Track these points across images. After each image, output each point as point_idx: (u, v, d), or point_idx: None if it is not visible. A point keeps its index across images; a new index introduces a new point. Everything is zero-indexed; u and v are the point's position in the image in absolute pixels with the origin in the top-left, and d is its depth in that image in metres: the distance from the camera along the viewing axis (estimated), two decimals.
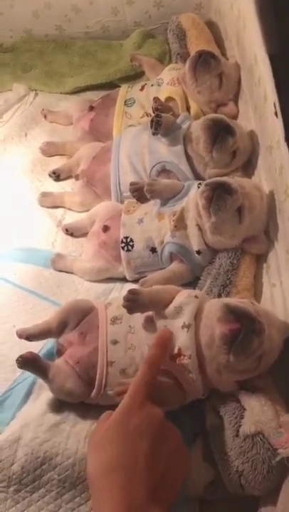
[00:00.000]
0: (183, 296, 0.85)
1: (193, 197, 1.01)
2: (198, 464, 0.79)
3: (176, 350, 0.79)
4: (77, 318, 0.93)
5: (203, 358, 0.79)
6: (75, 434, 0.84)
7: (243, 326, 0.74)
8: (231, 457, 0.74)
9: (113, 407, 0.76)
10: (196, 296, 0.85)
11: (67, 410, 0.88)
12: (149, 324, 0.85)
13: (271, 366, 0.80)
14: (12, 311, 1.08)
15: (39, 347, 0.97)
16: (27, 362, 0.87)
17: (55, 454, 0.82)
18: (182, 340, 0.79)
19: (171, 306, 0.84)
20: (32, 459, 0.82)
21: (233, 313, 0.76)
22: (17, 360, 0.87)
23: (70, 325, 0.92)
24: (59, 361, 0.90)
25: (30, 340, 0.93)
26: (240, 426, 0.75)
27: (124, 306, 0.84)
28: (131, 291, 0.84)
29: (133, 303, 0.83)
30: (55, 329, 0.93)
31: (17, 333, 0.92)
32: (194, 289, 0.99)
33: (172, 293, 0.87)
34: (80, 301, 0.98)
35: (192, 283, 1.02)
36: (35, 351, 0.97)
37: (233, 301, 0.82)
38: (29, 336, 0.92)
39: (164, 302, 0.85)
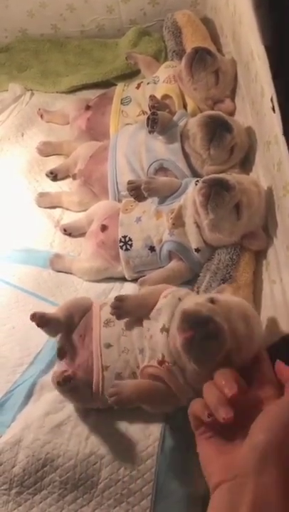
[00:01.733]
0: (166, 297, 0.84)
1: (191, 194, 1.01)
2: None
3: (160, 357, 0.79)
4: (79, 316, 0.91)
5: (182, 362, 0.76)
6: (76, 436, 0.84)
7: (196, 333, 0.70)
8: None
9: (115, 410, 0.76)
10: (179, 299, 0.82)
11: (68, 412, 0.87)
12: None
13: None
14: (11, 313, 1.07)
15: (39, 347, 0.97)
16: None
17: (57, 456, 0.82)
18: (161, 346, 0.79)
19: (155, 308, 0.83)
20: (33, 460, 0.82)
21: (186, 322, 0.72)
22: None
23: (75, 321, 0.91)
24: (61, 364, 0.88)
25: (42, 325, 0.87)
26: None
27: (112, 314, 0.84)
28: (117, 298, 0.84)
29: (119, 310, 0.83)
30: (64, 319, 0.89)
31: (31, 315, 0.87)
32: (193, 285, 0.98)
33: (159, 295, 0.86)
34: (78, 299, 0.97)
35: (191, 280, 1.02)
36: (35, 352, 0.97)
37: (191, 304, 0.76)
38: (41, 317, 0.87)
39: (150, 305, 0.84)
